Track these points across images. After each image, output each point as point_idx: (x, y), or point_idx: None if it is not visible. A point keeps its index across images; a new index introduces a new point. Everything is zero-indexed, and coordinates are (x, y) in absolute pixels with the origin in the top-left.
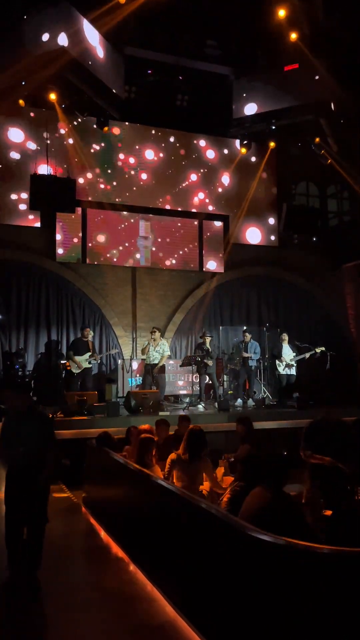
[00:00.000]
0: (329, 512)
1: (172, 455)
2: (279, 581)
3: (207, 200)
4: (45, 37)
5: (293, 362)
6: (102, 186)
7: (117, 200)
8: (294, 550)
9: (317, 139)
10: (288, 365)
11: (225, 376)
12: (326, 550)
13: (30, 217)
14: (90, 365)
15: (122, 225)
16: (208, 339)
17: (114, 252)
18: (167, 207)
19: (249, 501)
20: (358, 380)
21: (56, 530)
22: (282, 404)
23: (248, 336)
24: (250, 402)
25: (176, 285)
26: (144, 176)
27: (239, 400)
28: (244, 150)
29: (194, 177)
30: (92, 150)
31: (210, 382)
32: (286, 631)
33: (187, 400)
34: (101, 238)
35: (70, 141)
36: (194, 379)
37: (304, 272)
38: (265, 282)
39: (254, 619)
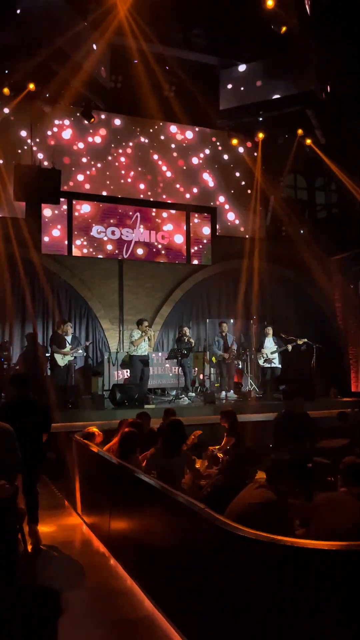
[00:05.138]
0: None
1: (152, 450)
2: (258, 577)
3: (194, 192)
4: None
5: (274, 356)
6: (87, 177)
7: (102, 191)
8: (275, 546)
9: (300, 131)
10: (267, 360)
11: (211, 369)
12: (309, 545)
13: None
14: (73, 358)
15: (109, 218)
16: (186, 330)
17: (101, 244)
18: (153, 198)
19: (243, 496)
20: (344, 371)
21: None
22: (268, 397)
23: (225, 327)
24: (232, 394)
25: (163, 278)
26: (130, 167)
27: (224, 393)
28: (235, 141)
29: (181, 168)
30: (76, 141)
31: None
32: (263, 626)
33: (173, 392)
34: (87, 229)
35: (55, 130)
36: (179, 372)
37: (291, 264)
38: (252, 275)
39: (231, 614)
